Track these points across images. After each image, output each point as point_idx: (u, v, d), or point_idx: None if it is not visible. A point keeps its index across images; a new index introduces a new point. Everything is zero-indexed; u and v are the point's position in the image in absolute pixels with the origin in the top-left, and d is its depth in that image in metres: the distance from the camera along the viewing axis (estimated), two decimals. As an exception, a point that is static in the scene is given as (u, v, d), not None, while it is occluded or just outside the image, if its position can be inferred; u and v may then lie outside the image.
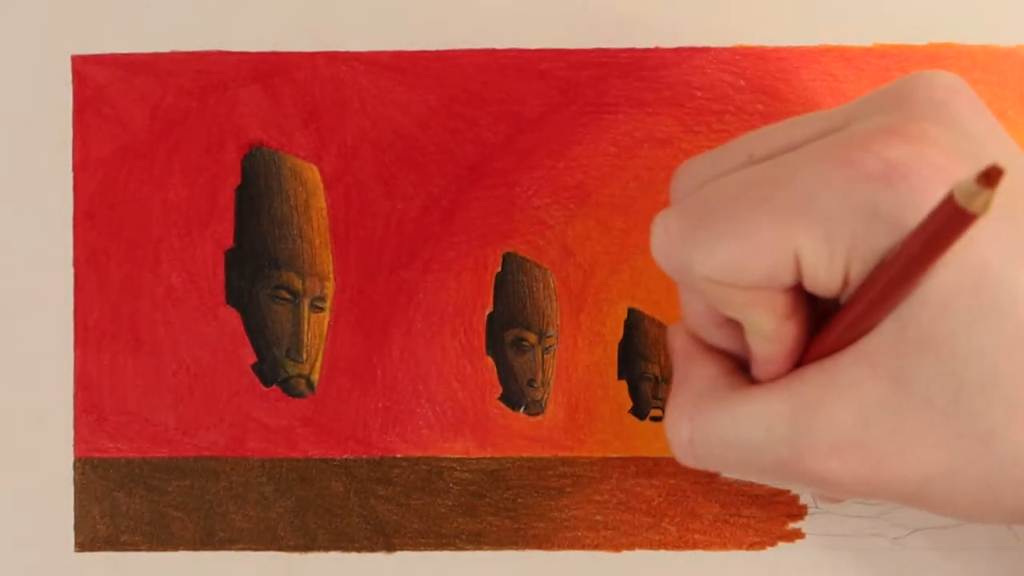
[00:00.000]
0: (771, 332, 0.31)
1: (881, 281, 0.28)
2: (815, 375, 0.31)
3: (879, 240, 0.29)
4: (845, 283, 0.30)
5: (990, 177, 0.24)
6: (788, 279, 0.30)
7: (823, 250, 0.29)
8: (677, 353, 0.35)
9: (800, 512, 0.41)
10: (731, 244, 0.30)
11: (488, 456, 0.41)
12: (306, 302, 0.41)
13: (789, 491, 0.41)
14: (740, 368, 0.34)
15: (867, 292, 0.29)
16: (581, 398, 0.42)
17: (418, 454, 0.41)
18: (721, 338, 0.34)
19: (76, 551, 0.42)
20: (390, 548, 0.41)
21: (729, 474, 0.37)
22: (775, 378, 0.32)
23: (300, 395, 0.42)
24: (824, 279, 0.30)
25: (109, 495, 0.42)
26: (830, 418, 0.30)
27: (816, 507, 0.40)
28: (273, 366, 0.42)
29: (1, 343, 0.42)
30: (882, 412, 0.29)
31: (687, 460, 0.33)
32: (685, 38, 0.41)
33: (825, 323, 0.31)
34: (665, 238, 0.31)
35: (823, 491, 0.33)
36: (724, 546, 0.41)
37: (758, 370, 0.32)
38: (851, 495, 0.31)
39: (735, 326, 0.33)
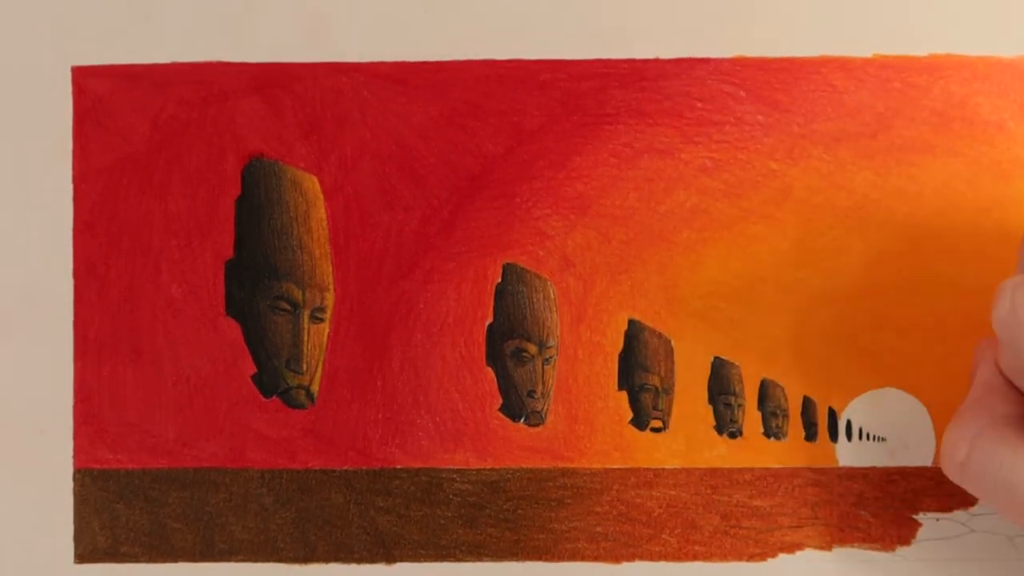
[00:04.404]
0: None
1: None
2: None
3: None
4: None
5: None
6: None
7: None
8: (981, 373, 0.36)
9: (800, 523, 0.41)
10: None
11: (488, 467, 0.41)
12: (306, 313, 0.41)
13: (789, 503, 0.41)
14: None
15: None
16: (581, 409, 0.41)
17: (418, 465, 0.41)
18: (1018, 370, 0.34)
19: (76, 563, 0.42)
20: (390, 559, 0.41)
21: (984, 501, 0.38)
22: None
23: (300, 406, 0.41)
24: None
25: (109, 506, 0.41)
26: None
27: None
28: (273, 377, 0.42)
29: (1, 354, 0.42)
30: None
31: (953, 475, 0.34)
32: (685, 49, 0.41)
33: None
34: (1011, 314, 0.32)
35: None
36: (724, 557, 0.41)
37: None
38: None
39: None
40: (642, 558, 0.41)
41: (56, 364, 0.42)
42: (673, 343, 0.41)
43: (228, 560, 0.41)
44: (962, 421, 0.34)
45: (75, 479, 0.42)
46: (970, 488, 0.34)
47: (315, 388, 0.41)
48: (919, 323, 0.41)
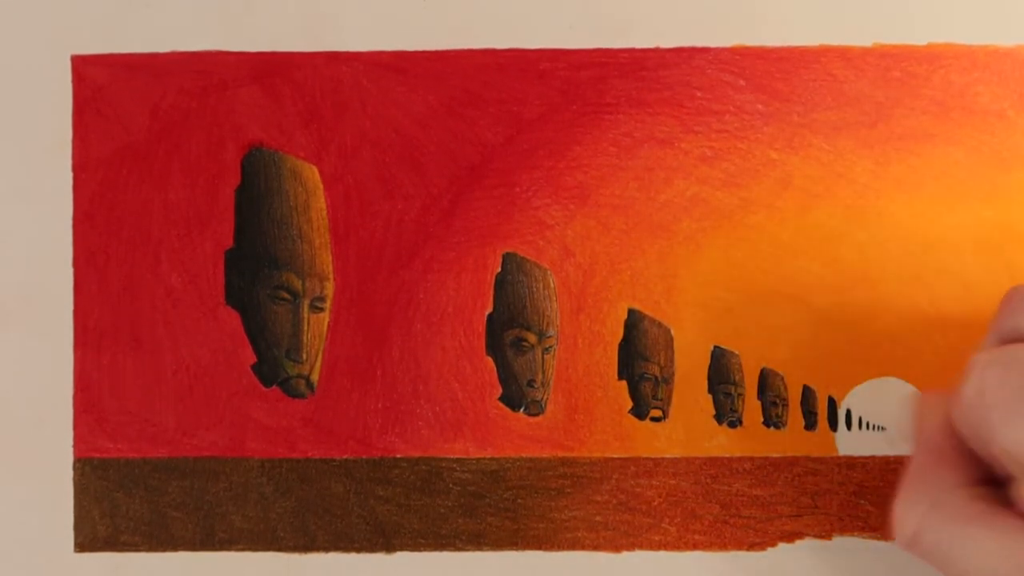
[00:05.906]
0: None
1: None
2: None
3: None
4: None
5: None
6: None
7: None
8: (928, 432, 0.34)
9: (800, 512, 0.41)
10: None
11: (488, 456, 0.41)
12: (306, 302, 0.41)
13: (788, 492, 0.41)
14: (987, 477, 0.33)
15: None
16: (581, 398, 0.41)
17: (418, 454, 0.41)
18: (984, 450, 0.32)
19: (76, 551, 0.42)
20: (390, 549, 0.41)
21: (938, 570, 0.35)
22: None
23: (300, 395, 0.41)
24: None
25: (109, 495, 0.41)
26: None
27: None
28: (273, 366, 0.42)
29: (1, 343, 0.42)
30: None
31: (902, 544, 0.32)
32: (685, 38, 0.41)
33: None
34: (977, 398, 0.31)
35: None
36: (724, 547, 0.41)
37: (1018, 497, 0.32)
38: None
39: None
40: (642, 547, 0.41)
41: (56, 353, 0.42)
42: (673, 332, 0.41)
43: (228, 549, 0.41)
44: (914, 489, 0.32)
45: (75, 468, 0.42)
46: (920, 557, 0.32)
47: (315, 377, 0.41)
48: (919, 312, 0.41)
